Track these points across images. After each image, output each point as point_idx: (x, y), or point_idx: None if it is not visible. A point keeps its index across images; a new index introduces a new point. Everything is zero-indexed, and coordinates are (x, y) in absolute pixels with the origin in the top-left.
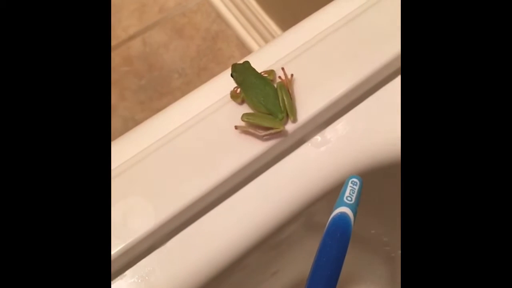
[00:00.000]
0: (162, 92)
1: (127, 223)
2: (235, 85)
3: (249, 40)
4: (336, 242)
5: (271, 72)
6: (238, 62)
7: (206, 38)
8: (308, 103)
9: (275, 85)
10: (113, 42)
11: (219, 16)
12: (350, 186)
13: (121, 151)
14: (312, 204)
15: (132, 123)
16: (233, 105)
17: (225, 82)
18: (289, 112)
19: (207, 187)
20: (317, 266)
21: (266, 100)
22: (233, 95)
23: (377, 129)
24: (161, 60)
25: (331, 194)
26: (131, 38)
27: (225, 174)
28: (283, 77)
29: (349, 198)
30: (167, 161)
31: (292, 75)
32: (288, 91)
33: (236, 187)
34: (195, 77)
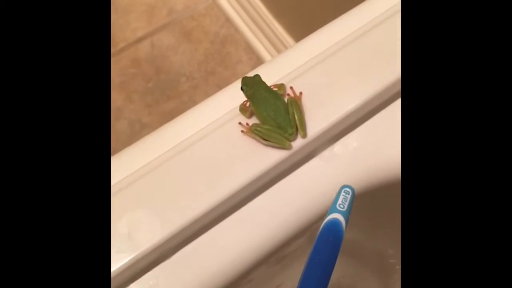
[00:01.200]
0: (170, 95)
1: (133, 236)
2: (244, 97)
3: (258, 44)
4: (328, 246)
5: (281, 86)
6: (248, 75)
7: (215, 41)
8: (317, 118)
9: (286, 100)
10: (122, 44)
11: (228, 20)
12: (343, 195)
13: (129, 162)
14: (319, 218)
15: (139, 126)
16: (242, 118)
17: (234, 94)
18: (299, 127)
19: (215, 201)
20: (309, 267)
21: (276, 114)
22: (242, 109)
23: (387, 144)
24: (169, 63)
25: None
26: (140, 40)
27: (233, 188)
28: (292, 94)
29: (341, 206)
30: (174, 174)
31: (301, 93)
32: (298, 106)
33: (244, 200)
34: (202, 81)
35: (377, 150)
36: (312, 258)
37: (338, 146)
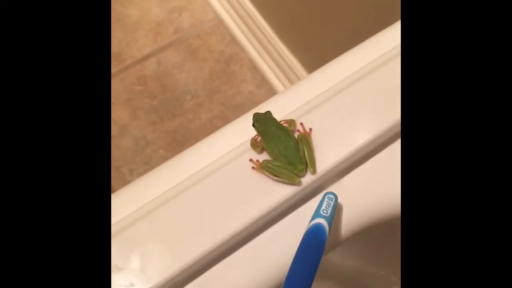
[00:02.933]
0: (174, 113)
1: (145, 269)
2: (254, 131)
3: (262, 64)
4: (312, 249)
5: (292, 122)
6: (260, 112)
7: (220, 60)
8: (327, 155)
9: (296, 136)
10: (128, 61)
11: (233, 39)
12: (326, 201)
13: (140, 194)
14: (329, 251)
15: (144, 143)
16: (252, 153)
17: (244, 127)
18: (309, 164)
19: (225, 235)
20: (293, 269)
21: (287, 151)
22: (253, 144)
23: (396, 178)
24: (174, 81)
25: (347, 241)
26: (146, 58)
27: (243, 222)
28: (302, 130)
29: (325, 211)
30: (185, 208)
31: (310, 129)
32: (308, 142)
33: (254, 234)
34: (207, 99)
35: (385, 184)
36: (296, 261)
37: (346, 180)
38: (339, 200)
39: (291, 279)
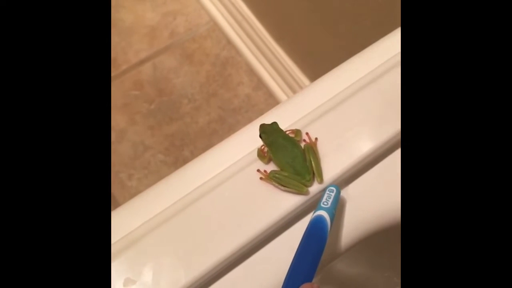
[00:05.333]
0: (172, 117)
1: (157, 282)
2: (259, 140)
3: (258, 66)
4: (315, 240)
5: (298, 132)
6: (266, 123)
7: (216, 63)
8: (332, 164)
9: (302, 146)
10: (124, 66)
11: (229, 43)
12: (327, 193)
13: (150, 206)
14: (334, 258)
15: (142, 147)
16: (260, 163)
17: (248, 138)
18: (316, 174)
19: (235, 246)
20: (297, 260)
21: (294, 162)
22: (260, 155)
23: (400, 185)
24: (171, 85)
25: (353, 248)
26: (142, 62)
27: (252, 232)
28: (307, 140)
29: (325, 203)
30: (195, 220)
31: (316, 138)
32: (315, 152)
33: (263, 243)
34: (204, 102)
35: (390, 190)
36: (299, 252)
37: (352, 188)
38: (346, 206)
39: (295, 268)
